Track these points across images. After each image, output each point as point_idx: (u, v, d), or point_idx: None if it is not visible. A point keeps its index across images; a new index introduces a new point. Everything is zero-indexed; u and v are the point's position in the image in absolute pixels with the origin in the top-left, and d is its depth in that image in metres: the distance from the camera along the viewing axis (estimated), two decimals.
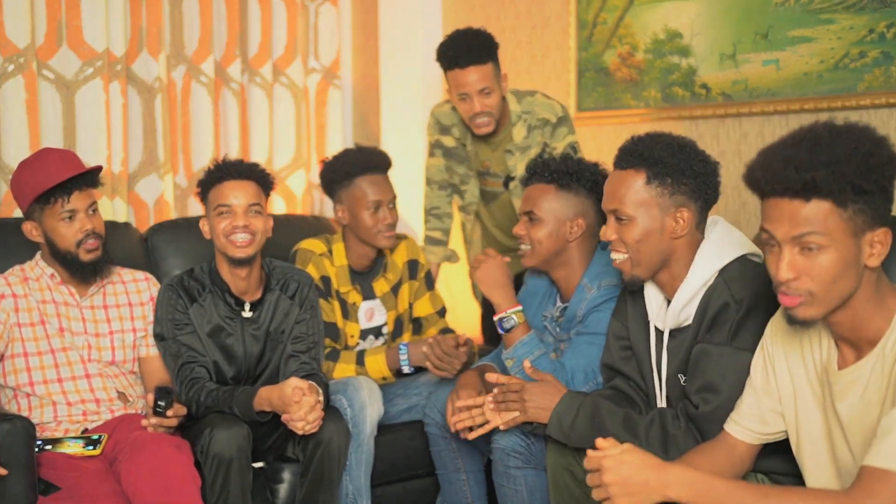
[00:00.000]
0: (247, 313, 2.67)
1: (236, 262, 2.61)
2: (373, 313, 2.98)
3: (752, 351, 1.90)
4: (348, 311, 2.92)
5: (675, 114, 3.30)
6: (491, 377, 2.35)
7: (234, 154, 3.68)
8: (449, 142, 3.27)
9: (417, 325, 3.09)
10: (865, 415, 1.60)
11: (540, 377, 2.25)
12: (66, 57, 3.28)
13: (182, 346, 2.61)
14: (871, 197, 1.52)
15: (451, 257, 3.46)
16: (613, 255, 2.12)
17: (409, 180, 3.78)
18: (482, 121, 3.01)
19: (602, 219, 2.36)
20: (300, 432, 2.41)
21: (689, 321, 2.06)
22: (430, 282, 3.11)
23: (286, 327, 2.70)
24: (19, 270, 2.62)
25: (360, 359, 2.84)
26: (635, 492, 1.60)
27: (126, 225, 3.13)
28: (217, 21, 3.68)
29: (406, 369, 2.86)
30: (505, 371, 2.51)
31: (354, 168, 2.86)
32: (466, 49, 2.95)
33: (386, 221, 2.86)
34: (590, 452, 1.65)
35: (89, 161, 3.01)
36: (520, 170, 3.06)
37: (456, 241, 3.54)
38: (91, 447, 2.40)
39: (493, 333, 3.04)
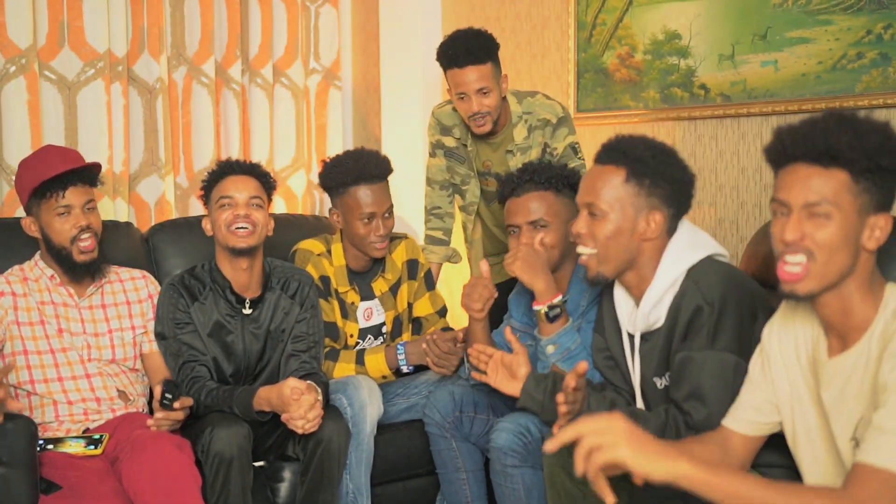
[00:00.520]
0: (247, 310, 2.68)
1: (237, 253, 2.61)
2: (371, 313, 2.98)
3: (734, 350, 1.93)
4: (347, 311, 2.93)
5: (673, 114, 3.31)
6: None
7: (234, 155, 3.69)
8: (450, 142, 3.27)
9: (417, 324, 3.09)
10: (844, 407, 1.64)
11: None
12: (68, 58, 3.30)
13: (183, 346, 2.62)
14: (883, 177, 1.58)
15: (453, 257, 3.45)
16: (580, 250, 2.11)
17: (410, 180, 3.78)
18: (480, 120, 3.02)
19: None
20: (300, 431, 2.42)
21: (660, 324, 2.07)
22: (430, 282, 3.11)
23: (286, 326, 2.71)
24: (19, 270, 2.63)
25: (359, 358, 2.85)
26: (643, 443, 1.44)
27: (127, 225, 3.14)
28: (218, 22, 3.69)
29: (405, 368, 2.87)
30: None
31: (350, 177, 2.79)
32: (465, 49, 2.95)
33: (379, 232, 2.81)
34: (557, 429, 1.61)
35: None
36: None
37: (457, 241, 3.54)
38: (92, 447, 2.41)
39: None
